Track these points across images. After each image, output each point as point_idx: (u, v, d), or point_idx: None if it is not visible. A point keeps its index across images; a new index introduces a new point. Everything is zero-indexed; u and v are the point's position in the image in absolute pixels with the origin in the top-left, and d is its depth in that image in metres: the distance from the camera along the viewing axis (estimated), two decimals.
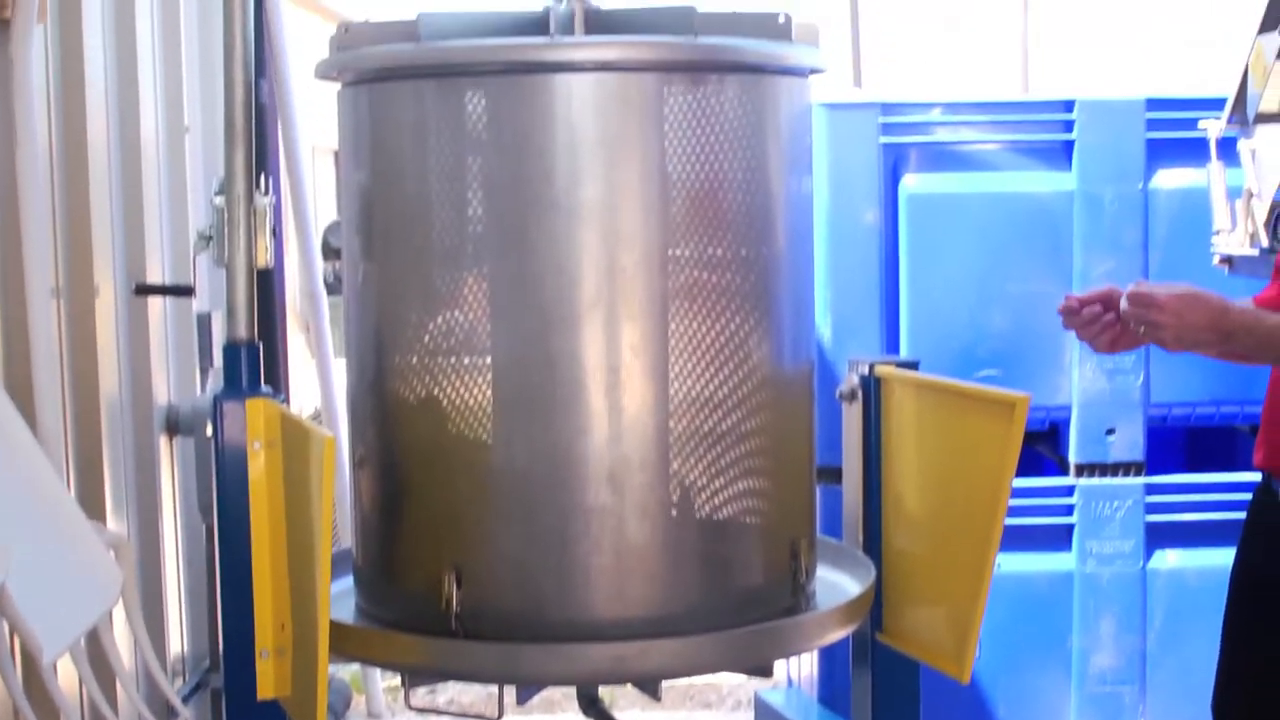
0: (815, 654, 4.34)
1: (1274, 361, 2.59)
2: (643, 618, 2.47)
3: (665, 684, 2.70)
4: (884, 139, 4.30)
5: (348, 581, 2.76)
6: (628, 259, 2.45)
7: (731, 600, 2.55)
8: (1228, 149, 4.09)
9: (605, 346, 2.44)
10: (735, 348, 2.52)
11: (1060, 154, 4.41)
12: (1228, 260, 3.99)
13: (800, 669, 4.58)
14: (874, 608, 2.88)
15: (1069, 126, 4.39)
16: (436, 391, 2.48)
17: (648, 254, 2.46)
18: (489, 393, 2.44)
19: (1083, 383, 4.35)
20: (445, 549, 2.48)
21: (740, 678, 5.09)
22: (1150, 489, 4.42)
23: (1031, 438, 4.49)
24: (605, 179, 2.45)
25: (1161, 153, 4.41)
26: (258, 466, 2.45)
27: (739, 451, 2.54)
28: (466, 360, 2.46)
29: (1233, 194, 4.00)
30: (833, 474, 3.08)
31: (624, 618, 2.47)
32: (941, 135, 4.37)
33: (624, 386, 2.45)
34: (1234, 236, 3.96)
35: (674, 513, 2.49)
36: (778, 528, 2.63)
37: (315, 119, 4.97)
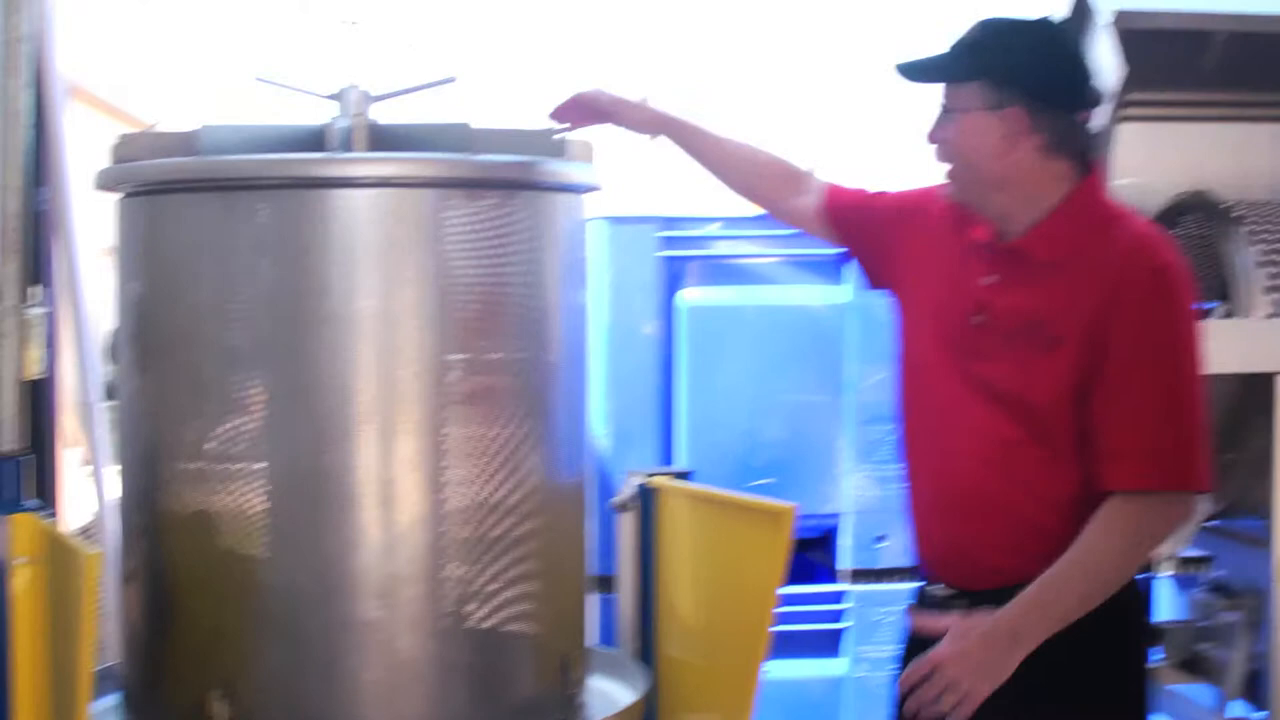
0: None
1: (1079, 609, 2.56)
2: None
3: None
4: (663, 252, 4.40)
5: (117, 698, 2.70)
6: (403, 371, 2.47)
7: (502, 713, 2.56)
8: None
9: (379, 459, 2.46)
10: (509, 454, 2.55)
11: (833, 268, 4.54)
12: None
13: None
14: (646, 717, 2.91)
15: None
16: (208, 504, 2.47)
17: (423, 365, 2.49)
18: (261, 506, 2.44)
19: (855, 491, 4.46)
20: (214, 666, 2.46)
21: None
22: None
23: (805, 545, 4.59)
24: (382, 291, 2.47)
25: None
26: (19, 583, 2.41)
27: (511, 559, 2.56)
28: (240, 473, 2.45)
29: None
30: (608, 583, 3.11)
31: None
32: (720, 249, 4.49)
33: (397, 499, 2.46)
34: None
35: (445, 624, 2.50)
36: (549, 638, 2.65)
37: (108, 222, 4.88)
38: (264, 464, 2.45)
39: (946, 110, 2.54)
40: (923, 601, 2.73)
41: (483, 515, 2.53)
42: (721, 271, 4.50)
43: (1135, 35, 3.83)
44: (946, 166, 2.58)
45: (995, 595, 2.54)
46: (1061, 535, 2.51)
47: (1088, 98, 2.58)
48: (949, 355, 2.61)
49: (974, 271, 2.60)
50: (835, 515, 4.49)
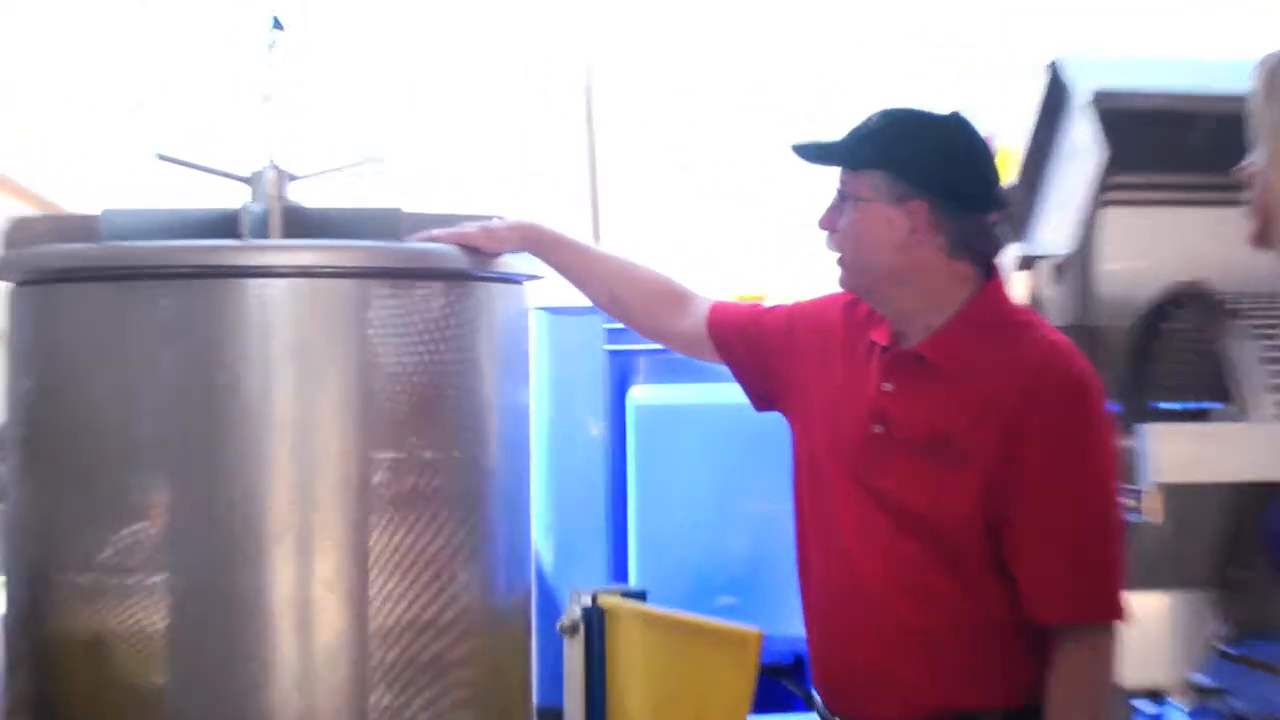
0: None
1: None
2: None
3: None
4: (610, 346, 4.40)
5: None
6: (324, 475, 2.46)
7: None
8: None
9: (295, 576, 2.43)
10: (442, 567, 2.53)
11: None
12: None
13: None
14: None
15: None
16: (102, 624, 2.43)
17: (346, 468, 2.47)
18: (161, 626, 2.40)
19: None
20: None
21: None
22: None
23: (775, 671, 4.53)
24: (299, 387, 2.46)
25: None
26: None
27: (443, 686, 2.53)
28: (137, 587, 2.42)
29: None
30: (554, 715, 3.07)
31: None
32: None
33: (315, 621, 2.43)
34: None
35: None
36: None
37: None
38: (164, 576, 2.41)
39: (843, 197, 2.58)
40: None
41: (411, 637, 2.50)
42: (675, 366, 4.49)
43: (1117, 115, 3.88)
44: (837, 255, 2.61)
45: None
46: (979, 663, 2.52)
47: (995, 199, 2.62)
48: (846, 467, 2.62)
49: (872, 376, 2.62)
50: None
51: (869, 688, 2.62)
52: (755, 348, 2.80)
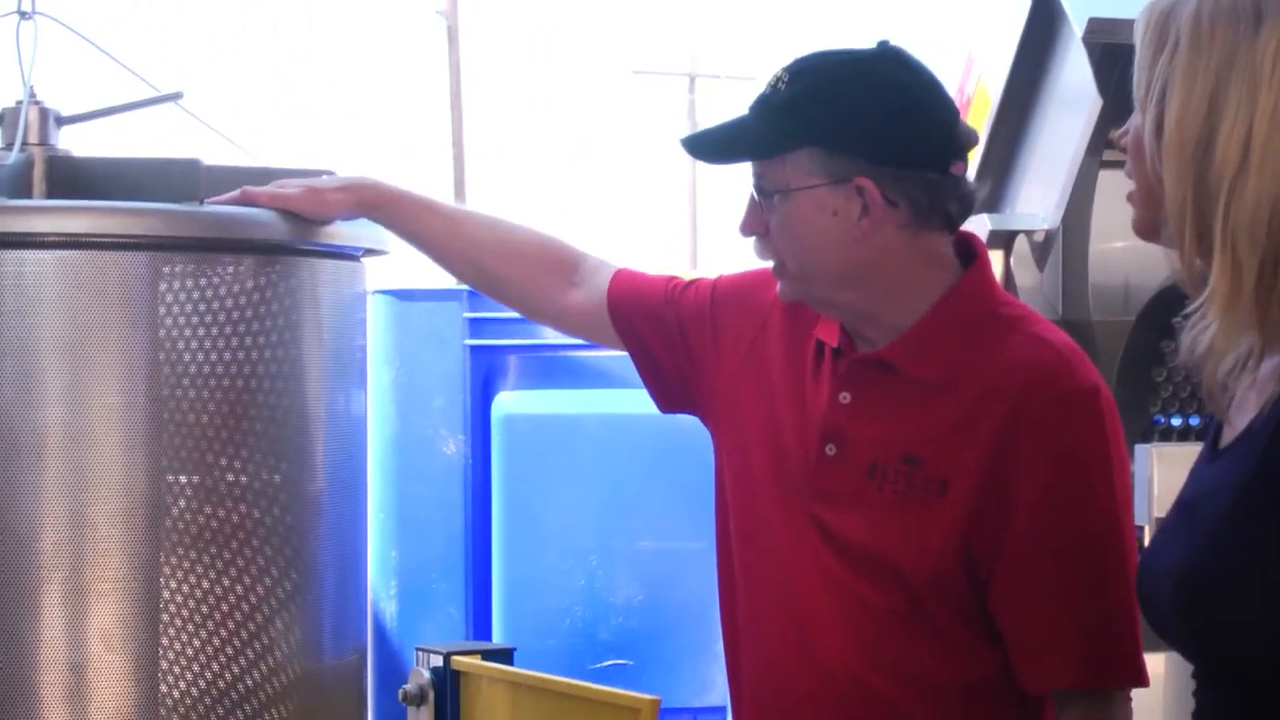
0: None
1: None
2: None
3: None
4: (472, 340, 4.41)
5: None
6: (102, 508, 2.45)
7: None
8: None
9: (65, 633, 2.42)
10: (252, 620, 2.53)
11: None
12: None
13: None
14: None
15: None
16: None
17: (131, 496, 2.47)
18: None
19: None
20: None
21: None
22: None
23: None
24: (71, 395, 2.45)
25: None
26: None
27: None
28: None
29: None
30: None
31: None
32: (549, 337, 4.50)
33: (90, 691, 2.43)
34: None
35: None
36: None
37: None
38: None
39: (764, 193, 2.56)
40: None
41: (210, 705, 2.50)
42: (554, 367, 4.51)
43: (1118, 52, 3.88)
44: (773, 263, 2.61)
45: None
46: None
47: (956, 144, 2.61)
48: (789, 496, 2.63)
49: (823, 384, 2.63)
50: (720, 711, 4.49)
51: None
52: (667, 331, 2.78)
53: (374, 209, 2.76)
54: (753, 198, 2.55)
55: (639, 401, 4.48)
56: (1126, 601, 2.49)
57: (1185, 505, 2.15)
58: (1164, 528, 2.17)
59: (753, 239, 2.57)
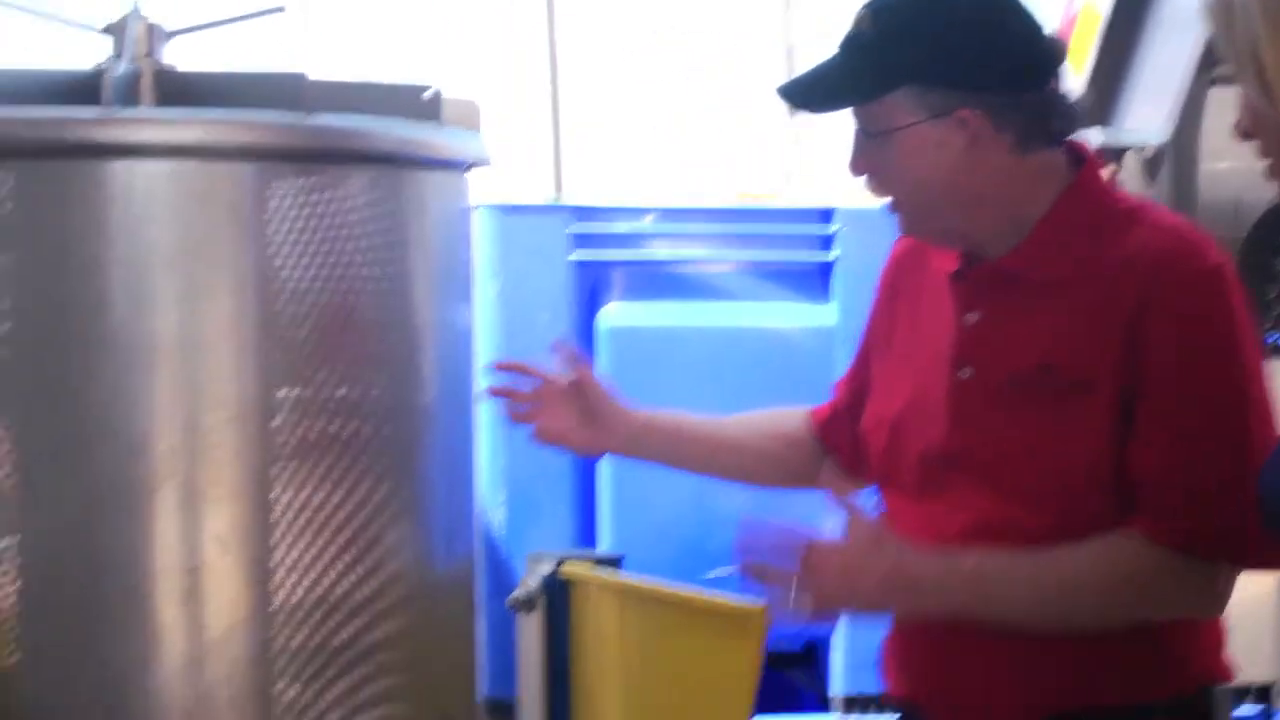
0: None
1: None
2: None
3: None
4: (577, 254, 4.41)
5: None
6: (213, 415, 2.48)
7: None
8: None
9: (180, 538, 2.46)
10: (361, 530, 2.57)
11: (816, 279, 4.57)
12: None
13: None
14: None
15: (827, 243, 4.56)
16: None
17: (242, 405, 2.50)
18: (12, 600, 2.43)
19: None
20: None
21: None
22: None
23: (783, 661, 4.61)
24: (182, 305, 2.48)
25: None
26: None
27: (363, 673, 2.58)
28: None
29: None
30: (505, 710, 3.12)
31: None
32: (656, 251, 4.51)
33: (206, 594, 2.47)
34: None
35: None
36: None
37: None
38: (14, 539, 2.44)
39: (868, 134, 2.58)
40: None
41: (324, 615, 2.54)
42: (658, 281, 4.52)
43: None
44: (887, 202, 2.63)
45: None
46: (1090, 647, 2.57)
47: (1049, 56, 2.62)
48: (930, 428, 2.66)
49: (948, 312, 2.65)
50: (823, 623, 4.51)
51: (963, 688, 2.65)
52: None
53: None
54: (859, 136, 2.57)
55: (743, 314, 4.53)
56: (1244, 477, 2.49)
57: None
58: None
59: (864, 178, 2.60)
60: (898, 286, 2.78)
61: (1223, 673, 2.66)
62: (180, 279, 2.49)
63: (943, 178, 2.52)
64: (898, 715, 2.80)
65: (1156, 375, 2.51)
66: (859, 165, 2.58)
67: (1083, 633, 2.56)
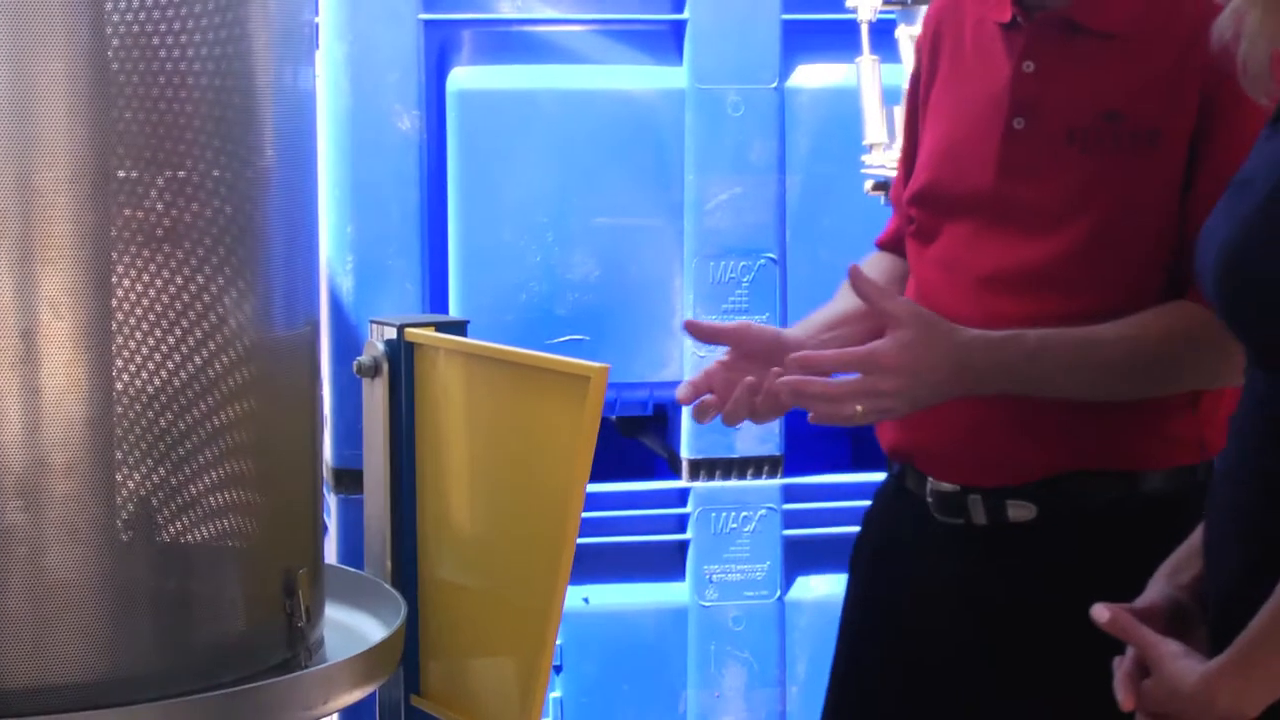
0: None
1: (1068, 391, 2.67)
2: (75, 684, 2.48)
3: None
4: (426, 15, 4.37)
5: None
6: (47, 175, 2.44)
7: (201, 654, 2.59)
8: (883, 37, 4.31)
9: (15, 298, 2.43)
10: (206, 294, 2.55)
11: (669, 41, 4.56)
12: (883, 186, 4.21)
13: None
14: (407, 660, 2.96)
15: (679, 5, 4.54)
16: None
17: (77, 173, 2.46)
18: None
19: (700, 352, 4.51)
20: None
21: None
22: (790, 493, 4.63)
23: (631, 426, 4.65)
24: (14, 63, 2.42)
25: (802, 42, 4.61)
26: None
27: (212, 451, 2.58)
28: None
29: (890, 97, 4.21)
30: (353, 478, 3.13)
31: (46, 684, 2.47)
32: (506, 11, 4.47)
33: (43, 357, 2.44)
34: (891, 153, 4.18)
35: (119, 538, 2.51)
36: (266, 554, 2.68)
37: None
38: None
39: None
40: (926, 503, 2.83)
41: (170, 389, 2.53)
42: (509, 42, 4.49)
43: None
44: None
45: (1036, 493, 2.69)
46: (1094, 412, 2.63)
47: None
48: (977, 178, 2.68)
49: (1001, 62, 2.66)
50: (673, 385, 4.52)
51: (983, 446, 2.71)
52: None
53: None
54: None
55: (597, 77, 4.51)
56: None
57: (1241, 183, 2.18)
58: (1220, 205, 2.21)
59: None
60: (939, 45, 2.78)
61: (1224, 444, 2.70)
62: (9, 35, 2.42)
63: None
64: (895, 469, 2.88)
65: (1225, 137, 2.52)
66: None
67: (1124, 400, 2.61)
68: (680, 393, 2.79)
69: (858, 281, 2.58)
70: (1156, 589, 2.37)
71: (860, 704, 2.98)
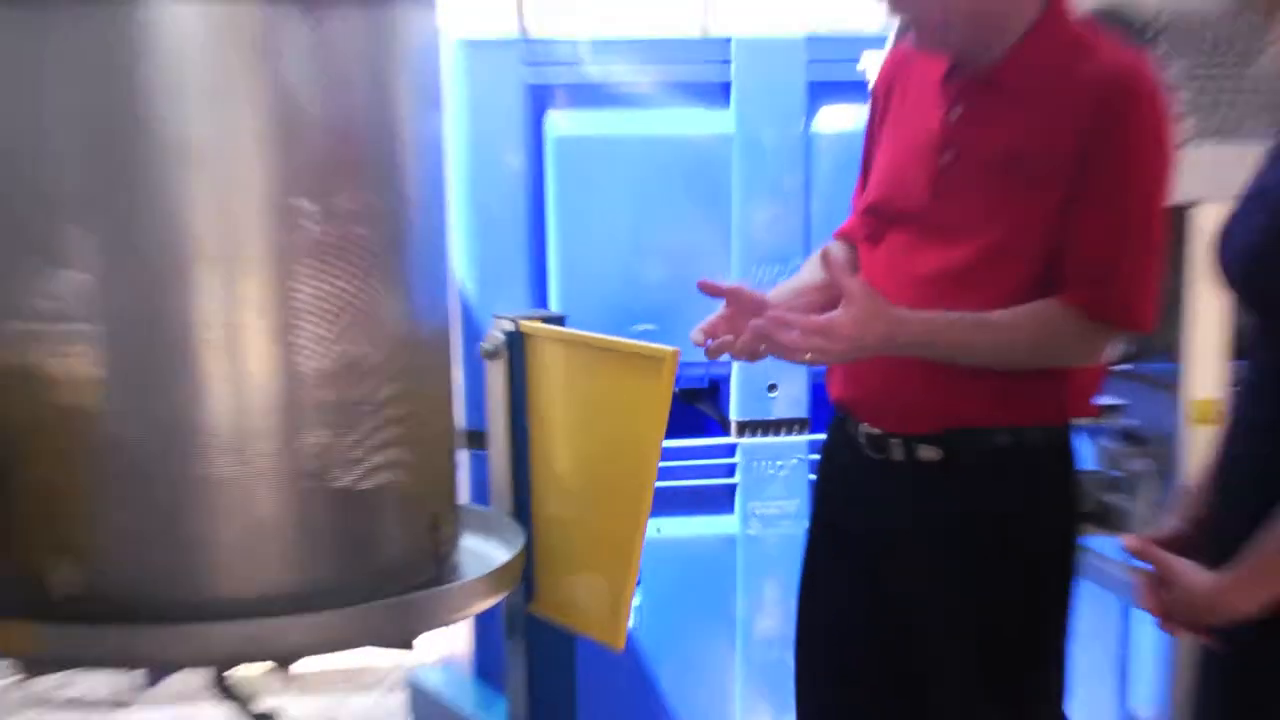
0: (470, 629, 4.44)
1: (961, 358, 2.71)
2: (273, 595, 2.53)
3: (319, 667, 2.75)
4: (529, 77, 4.38)
5: None
6: (242, 204, 2.49)
7: (368, 573, 2.63)
8: None
9: (221, 301, 2.48)
10: (365, 308, 2.59)
11: (719, 94, 4.57)
12: None
13: (456, 645, 4.67)
14: (525, 577, 3.00)
15: (726, 68, 4.55)
16: (37, 358, 2.47)
17: (265, 203, 2.50)
18: (97, 358, 2.45)
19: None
20: (56, 527, 2.49)
21: (396, 658, 5.15)
22: (815, 447, 4.63)
23: (692, 395, 4.67)
24: (214, 118, 2.46)
25: (823, 95, 4.61)
26: None
27: (374, 419, 2.62)
28: (68, 325, 2.45)
29: None
30: (479, 438, 3.15)
31: (255, 595, 2.52)
32: (592, 71, 4.48)
33: (246, 346, 2.49)
34: None
35: (305, 485, 2.56)
36: (416, 498, 2.71)
37: None
38: (96, 310, 2.45)
39: None
40: (860, 443, 2.88)
41: (341, 372, 2.58)
42: (594, 97, 4.50)
43: None
44: (909, 18, 2.65)
45: (940, 440, 2.73)
46: (988, 379, 2.67)
47: None
48: (912, 199, 2.71)
49: (936, 110, 2.69)
50: (724, 364, 4.56)
51: (905, 395, 2.78)
52: None
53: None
54: None
55: (664, 123, 4.53)
56: (1155, 261, 2.58)
57: (1257, 194, 2.20)
58: (1236, 212, 2.23)
59: (883, 4, 2.64)
60: (890, 91, 2.81)
61: (1087, 410, 2.76)
62: (210, 95, 2.45)
63: (967, 3, 2.56)
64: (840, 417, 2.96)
65: (1095, 181, 2.57)
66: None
67: (1003, 370, 2.66)
68: (694, 335, 2.85)
69: (827, 263, 2.63)
70: (1169, 524, 2.41)
71: (822, 581, 3.07)
